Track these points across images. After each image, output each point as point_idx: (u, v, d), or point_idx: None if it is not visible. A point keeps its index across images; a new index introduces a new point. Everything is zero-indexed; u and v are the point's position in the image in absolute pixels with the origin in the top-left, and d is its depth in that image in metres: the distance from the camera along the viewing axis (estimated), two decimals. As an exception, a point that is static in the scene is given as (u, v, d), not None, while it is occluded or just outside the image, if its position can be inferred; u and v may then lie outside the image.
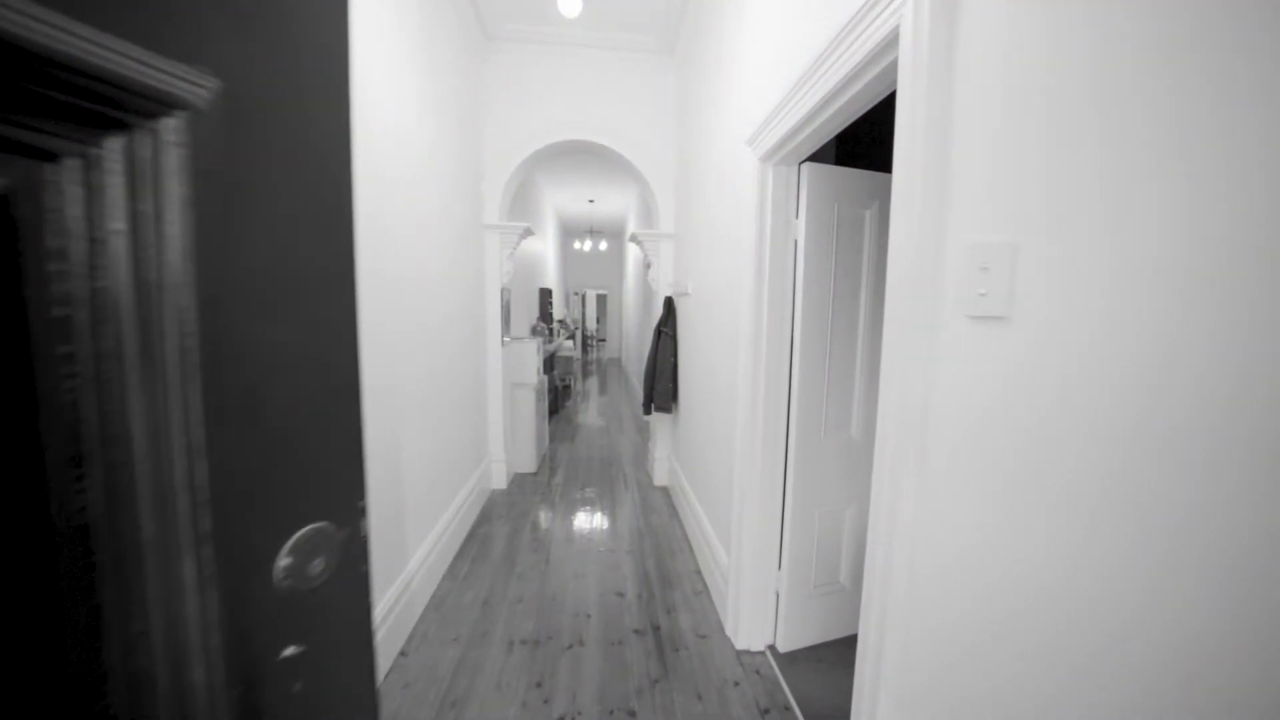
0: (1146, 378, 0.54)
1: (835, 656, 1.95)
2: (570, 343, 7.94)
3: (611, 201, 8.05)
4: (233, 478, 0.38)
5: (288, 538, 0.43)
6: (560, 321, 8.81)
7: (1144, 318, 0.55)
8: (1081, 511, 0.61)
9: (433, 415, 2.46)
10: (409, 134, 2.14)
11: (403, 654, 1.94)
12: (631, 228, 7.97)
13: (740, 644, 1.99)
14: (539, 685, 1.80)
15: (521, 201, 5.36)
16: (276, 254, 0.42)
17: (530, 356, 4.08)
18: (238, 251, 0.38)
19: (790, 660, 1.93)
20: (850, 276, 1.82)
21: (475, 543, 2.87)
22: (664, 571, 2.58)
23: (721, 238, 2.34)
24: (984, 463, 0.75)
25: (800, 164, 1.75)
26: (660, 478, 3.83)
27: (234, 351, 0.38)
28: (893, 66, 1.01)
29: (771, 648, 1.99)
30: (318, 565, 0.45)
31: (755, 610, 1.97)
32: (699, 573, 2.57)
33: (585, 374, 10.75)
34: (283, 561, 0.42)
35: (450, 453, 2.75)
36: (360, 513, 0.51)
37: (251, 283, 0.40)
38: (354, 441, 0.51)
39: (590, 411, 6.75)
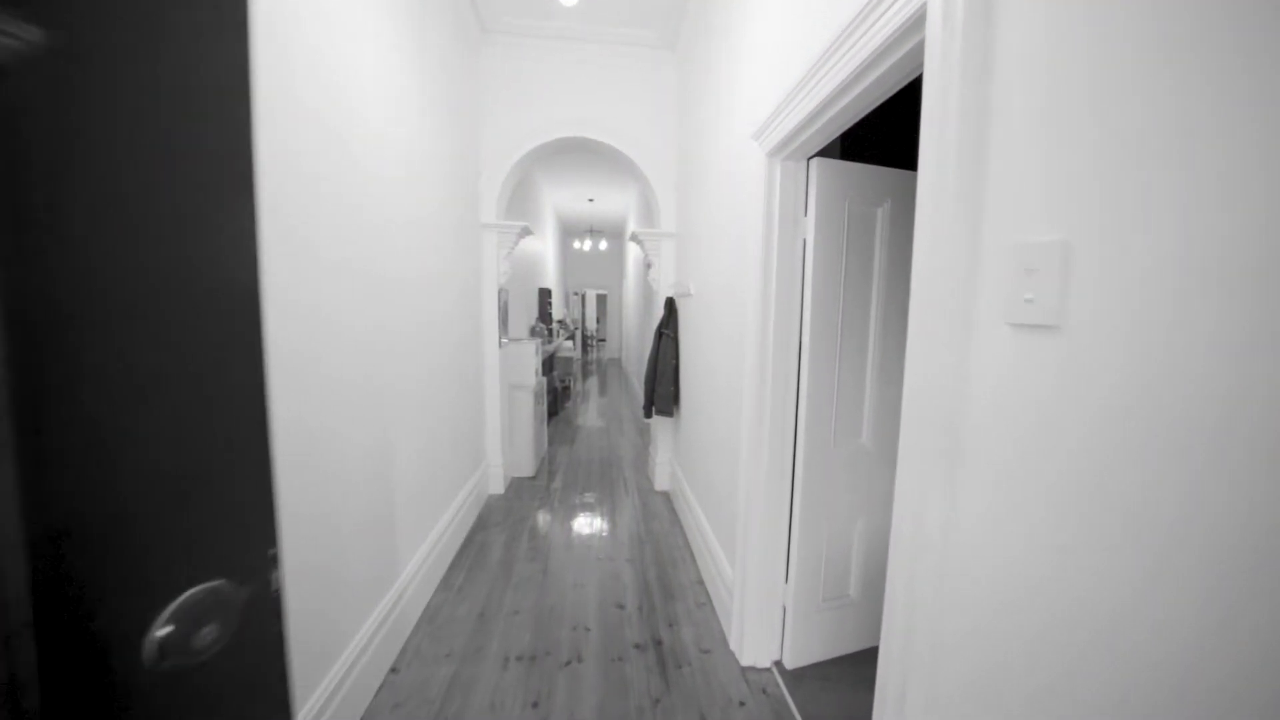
0: (1228, 390, 0.46)
1: (843, 674, 1.87)
2: (570, 343, 7.86)
3: (611, 200, 7.97)
4: (74, 542, 0.30)
5: (166, 605, 0.35)
6: (560, 322, 8.73)
7: (1235, 325, 0.46)
8: (1155, 535, 0.53)
9: (428, 418, 2.38)
10: (400, 129, 2.06)
11: (394, 670, 1.86)
12: (632, 227, 7.89)
13: (745, 660, 1.91)
14: (535, 705, 1.72)
15: (520, 200, 5.28)
16: (139, 257, 0.34)
17: (529, 358, 4.00)
18: (79, 254, 0.30)
19: (797, 678, 1.84)
20: (861, 278, 1.74)
21: (471, 551, 2.79)
22: (665, 581, 2.50)
23: (725, 237, 2.25)
24: (1032, 481, 0.67)
25: (809, 159, 1.66)
26: (661, 482, 3.74)
27: (69, 381, 0.29)
28: (918, 49, 0.93)
29: (778, 664, 1.91)
30: (209, 633, 0.37)
31: (761, 624, 1.89)
32: (701, 583, 2.49)
33: (585, 374, 10.68)
34: (159, 634, 0.34)
35: (446, 457, 2.67)
36: (271, 563, 0.43)
37: (102, 293, 0.31)
38: (261, 481, 0.43)
39: (590, 413, 6.67)
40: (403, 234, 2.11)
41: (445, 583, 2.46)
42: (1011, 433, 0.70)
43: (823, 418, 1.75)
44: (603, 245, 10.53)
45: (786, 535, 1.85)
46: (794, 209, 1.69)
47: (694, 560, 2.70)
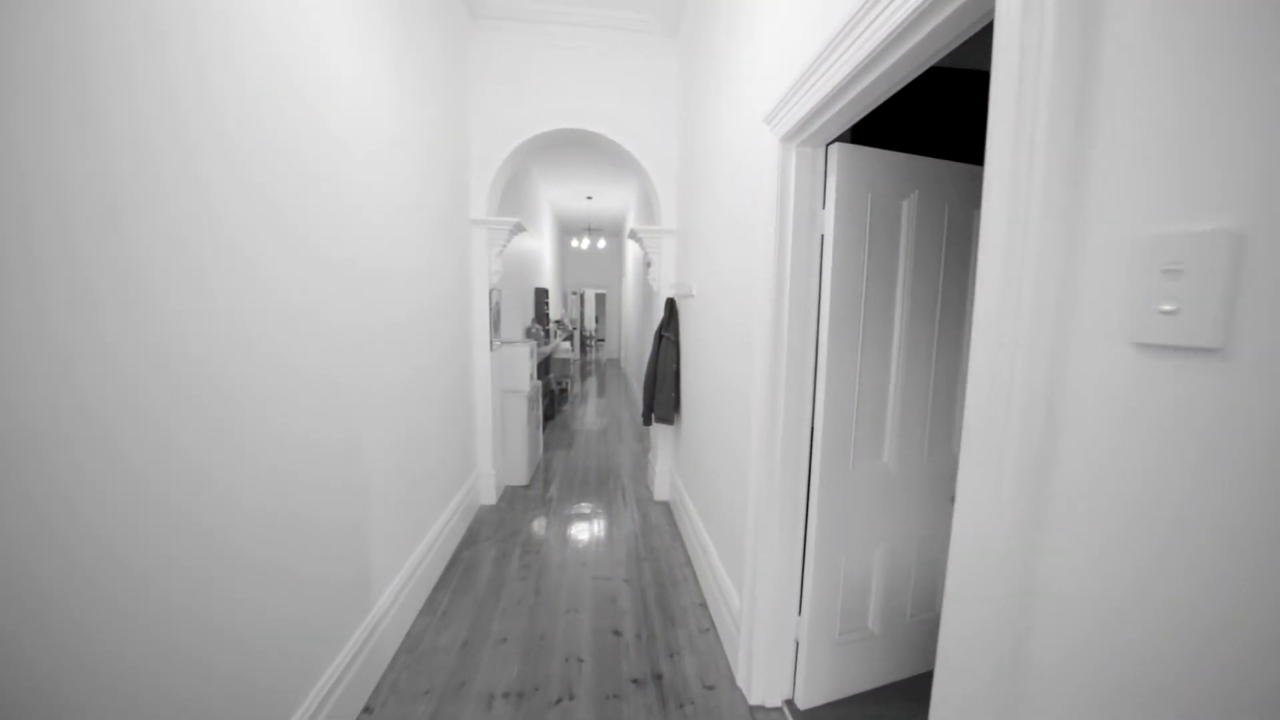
0: None
1: (862, 713, 1.70)
2: (568, 344, 7.68)
3: (610, 198, 7.79)
4: None
5: None
6: (558, 322, 8.55)
7: None
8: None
9: (412, 425, 2.20)
10: (374, 108, 1.87)
11: (367, 710, 1.69)
12: (631, 224, 7.70)
13: (754, 698, 1.73)
14: (521, 753, 1.54)
15: (515, 197, 5.09)
16: None
17: (522, 361, 3.82)
18: None
19: (811, 719, 1.67)
20: (884, 279, 1.56)
21: (459, 569, 2.61)
22: (665, 604, 2.32)
23: (733, 232, 2.08)
24: (1164, 531, 0.50)
25: (828, 145, 1.49)
26: (661, 492, 3.57)
27: None
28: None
29: (789, 703, 1.74)
30: None
31: (771, 660, 1.72)
32: (704, 605, 2.31)
33: (584, 375, 10.51)
34: None
35: (432, 468, 2.49)
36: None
37: None
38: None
39: (588, 416, 6.50)
40: (373, 221, 1.94)
41: (429, 605, 2.28)
42: (1134, 481, 0.52)
43: (841, 434, 1.57)
44: (601, 244, 10.35)
45: (800, 562, 1.68)
46: (811, 201, 1.51)
47: (696, 579, 2.53)
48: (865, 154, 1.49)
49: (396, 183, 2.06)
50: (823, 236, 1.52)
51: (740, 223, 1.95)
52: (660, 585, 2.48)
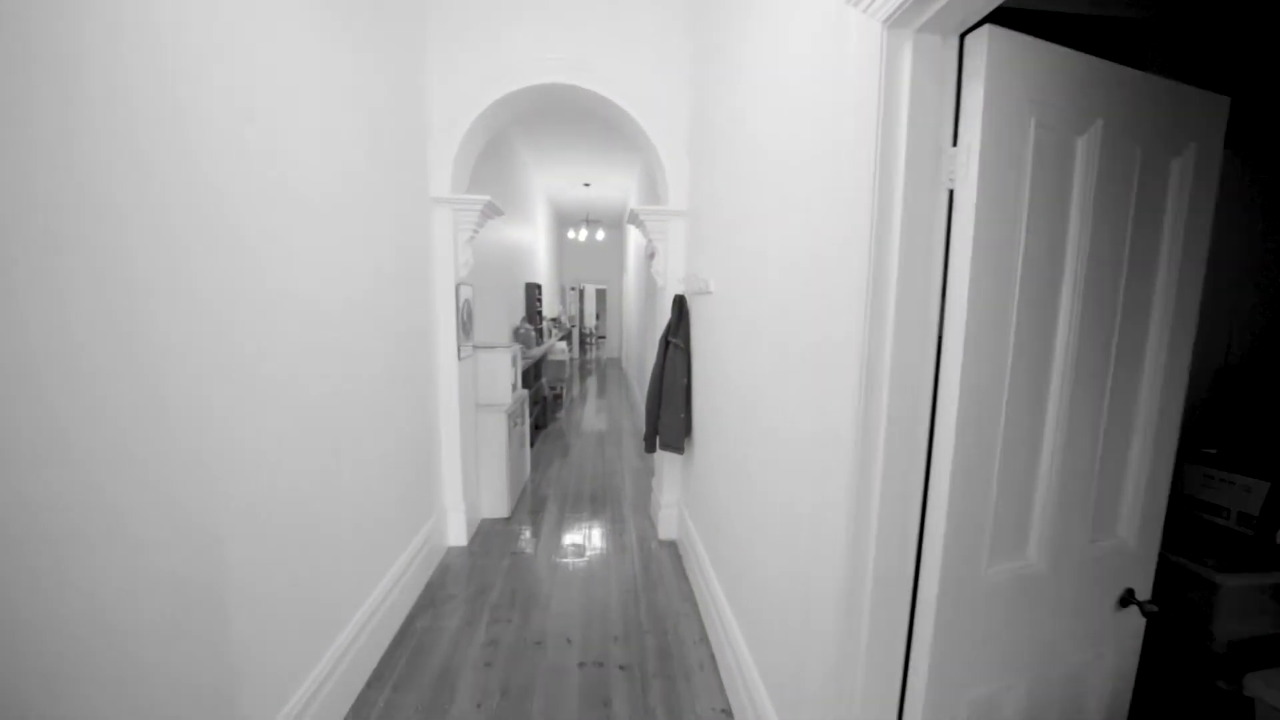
0: None
1: None
2: (564, 344, 7.06)
3: (609, 185, 7.15)
4: None
5: None
6: (553, 320, 7.92)
7: None
8: None
9: (336, 461, 1.59)
10: (282, 44, 1.25)
11: None
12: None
13: None
14: None
15: (507, 186, 4.48)
16: None
17: (502, 370, 3.21)
18: None
19: None
20: (1046, 266, 0.94)
21: (406, 648, 2.00)
22: (675, 710, 1.72)
23: (780, 200, 1.46)
24: None
25: (963, 36, 0.87)
26: (667, 529, 2.96)
27: None
28: None
29: None
30: None
31: None
32: (728, 713, 1.71)
33: (583, 375, 9.93)
34: None
35: (372, 517, 1.89)
36: None
37: None
38: None
39: (585, 423, 5.90)
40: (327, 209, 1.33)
41: (355, 711, 1.68)
42: None
43: (974, 516, 0.96)
44: (600, 235, 9.70)
45: (898, 708, 1.07)
46: (935, 131, 0.89)
47: (714, 661, 1.92)
48: (1031, 49, 0.87)
49: (316, 144, 1.44)
50: (951, 192, 0.90)
51: (796, 185, 1.33)
52: (668, 675, 1.88)
